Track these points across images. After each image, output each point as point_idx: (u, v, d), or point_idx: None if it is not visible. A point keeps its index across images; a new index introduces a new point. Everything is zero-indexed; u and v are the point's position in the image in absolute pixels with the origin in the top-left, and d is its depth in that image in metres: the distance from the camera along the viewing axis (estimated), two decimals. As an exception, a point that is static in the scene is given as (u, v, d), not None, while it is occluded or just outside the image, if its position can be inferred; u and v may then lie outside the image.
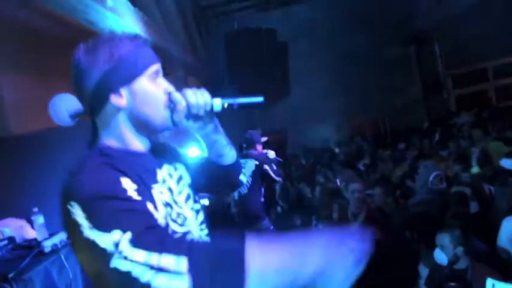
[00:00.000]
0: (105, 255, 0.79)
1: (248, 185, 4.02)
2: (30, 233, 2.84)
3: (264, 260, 0.80)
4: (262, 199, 4.23)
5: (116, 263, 0.78)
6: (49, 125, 4.84)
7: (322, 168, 7.21)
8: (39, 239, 2.51)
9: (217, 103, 1.08)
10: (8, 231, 2.59)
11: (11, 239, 2.46)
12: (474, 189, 3.86)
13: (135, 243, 0.78)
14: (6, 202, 4.18)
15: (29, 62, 5.48)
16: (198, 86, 1.10)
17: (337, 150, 8.34)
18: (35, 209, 2.65)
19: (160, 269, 0.76)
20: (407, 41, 10.90)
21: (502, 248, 2.86)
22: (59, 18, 4.03)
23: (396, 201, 4.04)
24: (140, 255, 0.77)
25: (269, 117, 9.29)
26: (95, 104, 1.02)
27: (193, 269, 0.76)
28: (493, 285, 2.31)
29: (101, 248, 0.79)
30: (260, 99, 1.10)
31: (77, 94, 1.06)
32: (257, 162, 4.13)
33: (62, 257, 2.24)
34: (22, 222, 3.01)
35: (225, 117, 1.20)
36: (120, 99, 1.00)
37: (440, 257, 2.58)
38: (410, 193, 4.48)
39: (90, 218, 0.82)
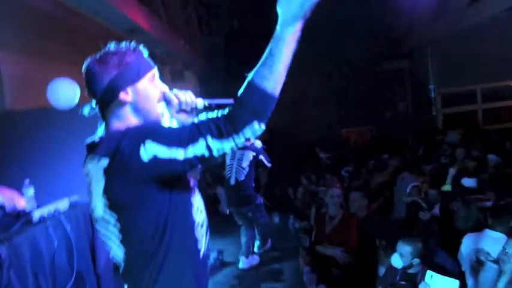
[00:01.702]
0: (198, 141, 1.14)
1: (245, 173, 4.67)
2: (20, 204, 3.00)
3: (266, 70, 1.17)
4: (253, 184, 4.85)
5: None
6: (44, 104, 5.00)
7: (307, 171, 7.43)
8: (28, 209, 2.66)
9: (200, 102, 1.41)
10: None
11: (1, 207, 2.60)
12: (441, 206, 4.08)
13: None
14: (5, 172, 4.34)
15: (34, 43, 5.62)
16: (194, 80, 1.35)
17: (322, 155, 8.54)
18: (27, 181, 2.78)
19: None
20: (403, 55, 11.15)
21: (462, 262, 3.06)
22: (67, 7, 4.17)
23: (368, 207, 4.24)
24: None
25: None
26: (107, 99, 1.30)
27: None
28: (431, 276, 2.52)
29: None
30: (230, 101, 1.34)
31: (89, 92, 1.35)
32: (254, 154, 4.76)
33: (49, 227, 2.40)
34: (13, 193, 3.16)
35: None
36: (126, 95, 1.29)
37: (397, 262, 2.77)
38: (387, 202, 4.74)
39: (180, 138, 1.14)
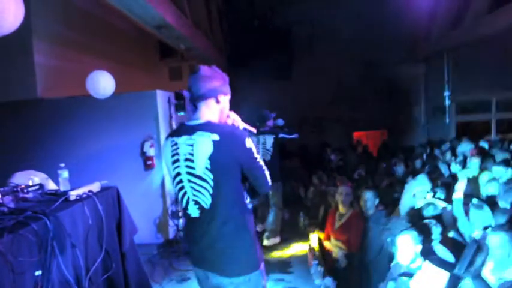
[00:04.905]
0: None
1: (270, 153, 5.41)
2: (51, 186, 3.25)
3: None
4: (278, 163, 5.56)
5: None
6: (74, 93, 5.28)
7: (318, 172, 7.60)
8: (62, 190, 2.90)
9: (241, 125, 2.10)
10: (37, 180, 3.00)
11: (40, 186, 2.85)
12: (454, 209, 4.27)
13: None
14: (34, 156, 4.62)
15: (66, 35, 5.91)
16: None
17: (332, 157, 8.70)
18: (62, 165, 3.02)
19: None
20: (419, 61, 11.23)
21: None
22: (102, 2, 4.41)
23: (377, 207, 4.41)
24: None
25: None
26: (208, 95, 1.97)
27: None
28: (427, 265, 2.70)
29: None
30: (254, 130, 2.23)
31: (194, 87, 1.97)
32: (274, 135, 5.43)
33: (85, 206, 2.63)
34: (44, 175, 3.41)
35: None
36: (220, 99, 2.00)
37: (404, 256, 2.93)
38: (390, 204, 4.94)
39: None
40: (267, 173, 2.00)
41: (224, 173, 1.86)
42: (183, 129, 1.98)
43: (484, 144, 8.02)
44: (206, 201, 1.89)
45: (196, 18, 7.49)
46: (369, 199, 4.38)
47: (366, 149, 10.13)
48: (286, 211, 6.48)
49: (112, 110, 5.09)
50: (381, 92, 10.89)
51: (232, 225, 1.89)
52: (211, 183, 1.86)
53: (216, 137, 1.84)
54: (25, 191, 2.69)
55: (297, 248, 5.19)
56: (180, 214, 5.41)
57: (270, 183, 2.01)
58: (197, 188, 1.89)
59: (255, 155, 1.93)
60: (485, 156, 6.67)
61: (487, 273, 2.42)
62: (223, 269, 1.92)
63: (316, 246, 4.51)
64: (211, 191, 1.86)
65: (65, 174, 3.04)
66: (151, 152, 5.32)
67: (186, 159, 1.91)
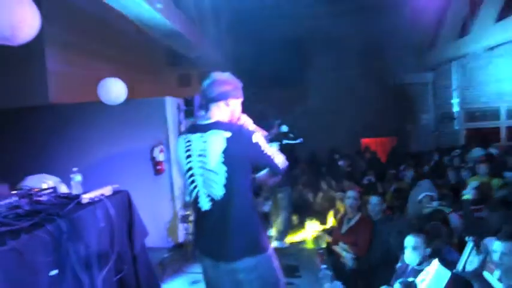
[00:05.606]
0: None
1: None
2: (63, 190, 3.30)
3: None
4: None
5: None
6: (84, 98, 5.37)
7: (327, 177, 7.61)
8: (74, 193, 2.95)
9: (252, 126, 2.23)
10: (51, 183, 3.06)
11: (54, 189, 2.91)
12: (464, 212, 4.29)
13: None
14: (46, 160, 4.70)
15: (77, 41, 6.01)
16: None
17: (341, 162, 8.70)
18: (75, 169, 3.08)
19: None
20: (427, 69, 11.23)
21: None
22: (113, 11, 4.50)
23: (384, 212, 4.43)
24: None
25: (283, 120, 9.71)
26: (219, 98, 2.12)
27: None
28: (433, 263, 2.72)
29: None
30: (265, 133, 2.29)
31: (207, 90, 2.14)
32: (279, 142, 5.05)
33: (97, 210, 2.68)
34: (57, 179, 3.47)
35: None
36: (230, 102, 2.15)
37: (413, 257, 2.97)
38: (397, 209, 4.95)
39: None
40: (277, 159, 2.14)
41: (236, 166, 2.01)
42: (196, 128, 2.14)
43: (493, 151, 7.99)
44: (218, 193, 2.03)
45: (205, 27, 7.59)
46: (376, 204, 4.40)
47: (374, 155, 10.13)
48: (296, 216, 6.51)
49: (122, 115, 5.15)
50: (390, 99, 10.89)
51: (243, 213, 2.05)
52: (225, 175, 2.01)
53: (228, 134, 2.00)
54: (39, 194, 2.75)
55: (305, 252, 5.20)
56: (189, 212, 5.44)
57: (282, 165, 2.17)
58: (209, 181, 2.04)
59: (263, 147, 2.06)
60: (494, 163, 6.66)
61: (494, 280, 2.43)
62: (233, 254, 2.04)
63: (324, 250, 4.51)
64: (224, 182, 2.01)
65: (77, 178, 3.10)
66: (160, 157, 5.38)
67: (200, 155, 2.06)
